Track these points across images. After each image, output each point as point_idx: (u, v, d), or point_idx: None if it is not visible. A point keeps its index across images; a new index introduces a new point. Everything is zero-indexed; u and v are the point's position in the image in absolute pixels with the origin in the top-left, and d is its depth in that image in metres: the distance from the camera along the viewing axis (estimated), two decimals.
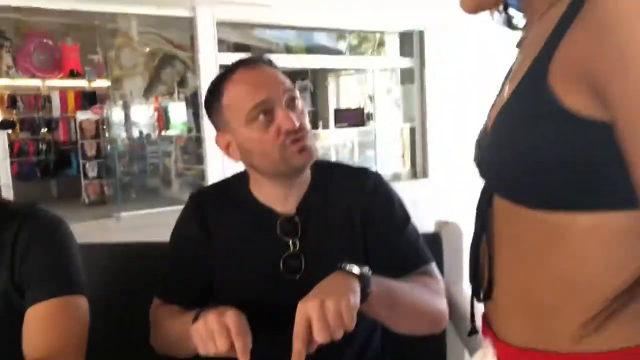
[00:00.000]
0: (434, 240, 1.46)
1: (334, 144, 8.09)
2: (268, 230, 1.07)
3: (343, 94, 10.20)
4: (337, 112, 8.56)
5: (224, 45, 8.70)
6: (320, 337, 0.78)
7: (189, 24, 6.19)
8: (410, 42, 8.25)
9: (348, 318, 0.79)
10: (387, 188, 1.13)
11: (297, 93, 1.08)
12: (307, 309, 0.79)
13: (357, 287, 0.84)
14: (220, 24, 6.63)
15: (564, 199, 0.53)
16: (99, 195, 6.44)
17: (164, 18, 6.40)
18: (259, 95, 1.01)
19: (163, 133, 7.33)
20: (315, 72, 9.59)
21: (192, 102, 6.11)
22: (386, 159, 9.32)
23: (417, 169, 8.37)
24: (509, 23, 0.71)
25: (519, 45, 0.68)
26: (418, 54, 8.08)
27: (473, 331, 0.73)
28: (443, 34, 7.94)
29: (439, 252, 1.46)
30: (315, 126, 9.38)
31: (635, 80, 0.46)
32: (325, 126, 8.42)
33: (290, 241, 1.07)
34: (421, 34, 7.95)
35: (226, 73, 1.05)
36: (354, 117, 8.33)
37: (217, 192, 1.19)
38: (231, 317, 0.85)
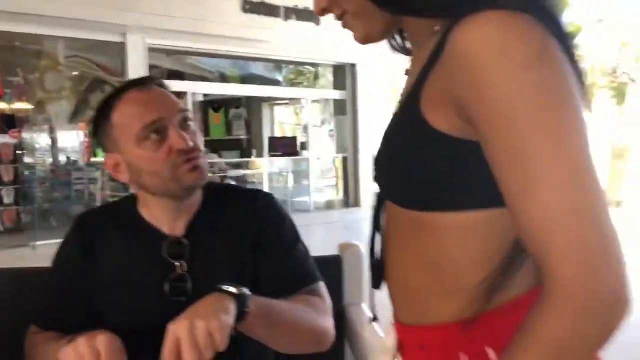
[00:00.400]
0: (336, 262, 1.48)
1: (268, 172, 8.08)
2: (154, 252, 1.04)
3: (278, 123, 10.29)
4: (272, 140, 8.60)
5: (157, 72, 8.59)
6: (189, 358, 0.76)
7: (119, 49, 6.10)
8: (343, 75, 8.50)
9: (219, 338, 0.77)
10: (278, 209, 1.13)
11: (191, 115, 1.07)
12: (176, 330, 0.77)
13: (231, 307, 0.82)
14: (153, 50, 6.59)
15: (431, 201, 0.63)
16: (15, 223, 6.07)
17: (94, 42, 6.25)
18: (151, 115, 1.00)
19: (92, 159, 7.09)
20: (250, 101, 9.62)
21: None
22: (320, 188, 9.44)
23: (350, 198, 8.53)
24: (406, 51, 0.78)
25: (406, 73, 0.76)
26: (351, 86, 8.33)
27: (374, 319, 0.87)
28: (374, 67, 8.24)
29: (340, 274, 1.47)
30: (249, 154, 9.41)
31: (490, 107, 0.54)
32: (260, 154, 8.41)
33: (178, 263, 1.05)
34: (353, 67, 8.23)
35: (117, 93, 1.04)
36: (288, 146, 8.38)
37: (104, 213, 1.16)
38: (103, 341, 0.81)
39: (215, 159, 8.45)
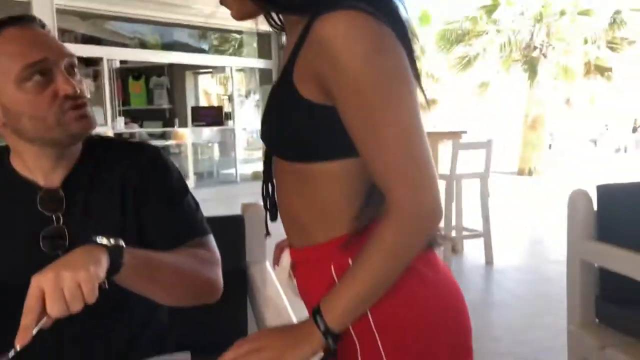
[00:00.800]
0: (238, 222, 1.50)
1: (192, 142, 7.87)
2: (28, 204, 0.99)
3: (202, 93, 10.01)
4: (195, 110, 8.32)
5: (70, 36, 8.11)
6: (53, 311, 0.73)
7: (24, 9, 5.66)
8: (268, 44, 8.38)
9: (87, 289, 0.75)
10: (164, 160, 1.10)
11: (76, 61, 1.02)
12: (39, 281, 0.74)
13: (102, 258, 0.79)
14: (63, 12, 6.17)
15: (303, 154, 0.80)
16: None
17: None
18: (34, 55, 0.92)
19: None
20: (173, 69, 9.28)
21: None
22: (246, 159, 9.34)
23: None
24: (282, 28, 0.92)
25: (281, 48, 0.95)
26: (276, 55, 8.23)
27: (267, 234, 1.02)
28: None
29: (242, 233, 1.49)
30: (172, 124, 9.11)
31: (342, 82, 0.72)
32: (183, 124, 8.17)
33: (53, 216, 1.01)
34: (278, 35, 8.08)
35: None
36: (212, 116, 8.18)
37: None
38: None
39: (135, 128, 8.14)
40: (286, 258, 0.93)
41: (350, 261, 0.81)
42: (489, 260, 4.23)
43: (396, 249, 0.74)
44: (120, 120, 7.46)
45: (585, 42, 10.81)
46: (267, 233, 1.01)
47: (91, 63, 7.31)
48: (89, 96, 1.01)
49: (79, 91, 0.96)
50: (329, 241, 0.83)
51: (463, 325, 0.85)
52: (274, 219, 0.93)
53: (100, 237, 0.83)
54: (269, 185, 0.91)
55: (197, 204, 1.11)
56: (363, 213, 0.80)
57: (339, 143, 0.77)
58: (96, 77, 7.27)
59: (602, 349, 1.66)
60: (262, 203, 0.95)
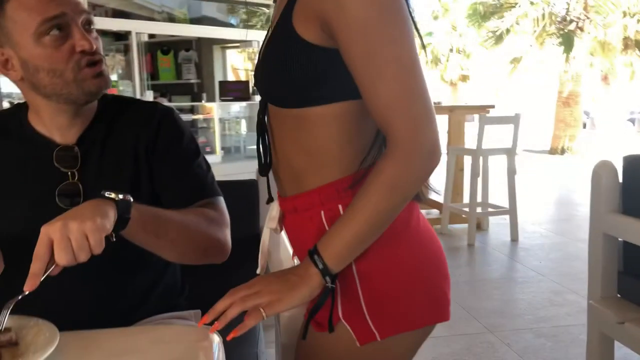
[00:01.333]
0: (253, 187, 1.51)
1: (219, 117, 7.91)
2: (45, 161, 1.02)
3: (230, 68, 10.01)
4: (222, 84, 8.34)
5: (101, 10, 8.21)
6: (61, 259, 0.75)
7: None
8: None
9: (94, 240, 0.77)
10: (176, 121, 1.11)
11: (93, 18, 1.02)
12: (48, 231, 0.76)
13: (109, 212, 0.81)
14: None
15: (302, 98, 0.80)
16: None
17: None
18: (52, 9, 0.93)
19: None
20: (201, 43, 9.30)
21: None
22: None
23: None
24: None
25: (274, 0, 0.94)
26: None
27: (270, 200, 0.99)
28: None
29: (256, 198, 1.50)
30: (200, 99, 9.19)
31: (349, 23, 0.72)
32: (211, 99, 8.20)
33: (69, 172, 1.03)
34: None
35: None
36: (239, 91, 8.18)
37: None
38: None
39: (164, 102, 8.23)
40: (275, 208, 0.94)
41: (340, 208, 0.82)
42: (514, 238, 4.18)
43: (396, 183, 0.75)
44: (149, 95, 7.54)
45: (624, 15, 10.37)
46: (270, 199, 1.00)
47: (121, 37, 7.41)
48: (104, 56, 1.02)
49: (95, 47, 0.97)
50: (320, 187, 0.83)
51: (441, 274, 0.87)
52: (264, 173, 0.93)
53: (109, 192, 0.85)
54: (265, 137, 0.91)
55: (208, 165, 1.12)
56: (364, 157, 0.82)
57: (337, 86, 0.78)
58: (126, 51, 7.37)
59: (621, 324, 1.62)
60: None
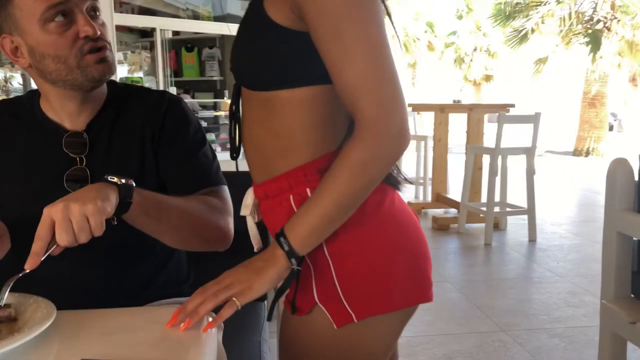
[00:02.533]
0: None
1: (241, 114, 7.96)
2: (54, 145, 1.04)
3: None
4: None
5: (127, 7, 8.33)
6: (61, 239, 0.77)
7: None
8: None
9: (94, 222, 0.79)
10: (183, 110, 1.13)
11: (98, 4, 1.04)
12: (50, 211, 0.78)
13: (111, 195, 0.83)
14: None
15: (272, 81, 0.81)
16: None
17: None
18: None
19: None
20: (224, 41, 9.38)
21: None
22: None
23: None
24: None
25: None
26: None
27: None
28: None
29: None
30: (222, 95, 9.25)
31: (319, 5, 0.73)
32: None
33: (77, 158, 1.05)
34: None
35: None
36: None
37: (4, 108, 1.13)
38: None
39: (187, 99, 8.32)
40: (250, 196, 0.94)
41: (308, 191, 0.82)
42: (532, 238, 4.12)
43: (362, 166, 0.74)
44: (172, 91, 7.63)
45: None
46: (232, 157, 0.99)
47: (146, 35, 7.51)
48: (110, 41, 1.04)
49: (99, 33, 0.98)
50: (289, 171, 0.84)
51: (420, 255, 0.86)
52: (233, 157, 0.95)
53: (111, 176, 0.86)
54: (236, 123, 0.92)
55: (214, 155, 1.14)
56: (331, 141, 0.82)
57: (306, 69, 0.79)
58: (151, 48, 7.47)
59: (633, 324, 1.59)
60: None
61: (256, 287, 0.77)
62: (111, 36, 6.37)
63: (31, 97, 1.09)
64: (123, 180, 0.87)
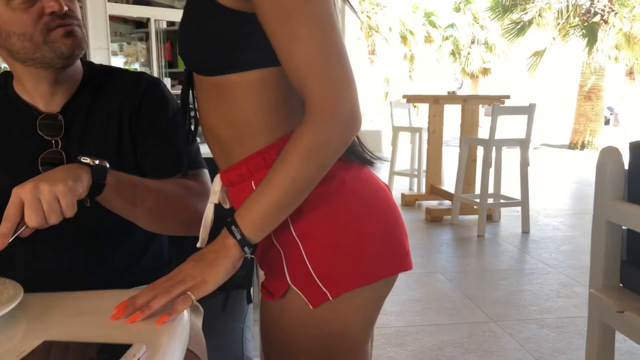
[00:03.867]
0: None
1: None
2: (28, 128, 1.02)
3: None
4: None
5: None
6: (31, 220, 0.75)
7: None
8: None
9: (65, 202, 0.76)
10: (162, 92, 1.10)
11: None
12: (19, 192, 0.76)
13: (83, 176, 0.81)
14: None
15: (221, 65, 0.79)
16: None
17: None
18: None
19: None
20: None
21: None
22: None
23: None
24: None
25: None
26: None
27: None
28: None
29: None
30: None
31: None
32: None
33: (53, 140, 1.03)
34: None
35: None
36: None
37: None
38: None
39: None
40: (217, 183, 0.92)
41: None
42: (525, 230, 4.12)
43: (314, 150, 0.73)
44: (167, 82, 7.59)
45: None
46: (191, 139, 1.01)
47: (141, 26, 7.46)
48: (79, 17, 1.00)
49: (66, 8, 0.95)
50: (247, 157, 0.82)
51: (393, 225, 0.85)
52: (192, 141, 0.94)
53: (84, 157, 0.84)
54: (187, 100, 0.89)
55: (194, 137, 1.11)
56: (285, 124, 0.80)
57: (254, 52, 0.77)
58: (147, 39, 7.41)
59: (621, 313, 1.58)
60: None
61: (210, 280, 0.74)
62: (105, 27, 6.28)
63: (4, 79, 1.07)
64: (96, 162, 0.85)
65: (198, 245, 0.91)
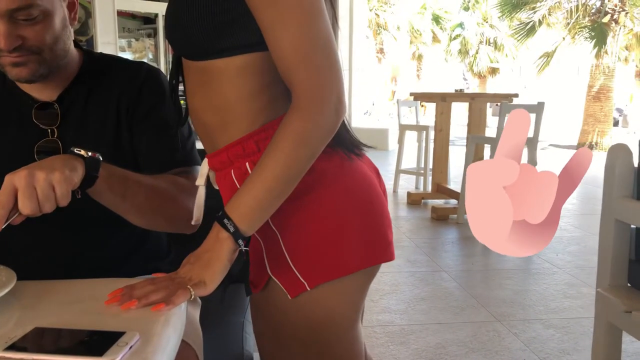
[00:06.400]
0: None
1: None
2: (24, 117, 1.01)
3: None
4: None
5: None
6: (24, 207, 0.73)
7: None
8: None
9: (60, 191, 0.75)
10: (162, 83, 1.08)
11: (22, 3, 0.89)
12: (13, 179, 0.74)
13: (77, 167, 0.80)
14: None
15: (207, 50, 0.78)
16: None
17: None
18: None
19: None
20: None
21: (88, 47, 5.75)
22: None
23: None
24: None
25: None
26: None
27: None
28: None
29: None
30: None
31: None
32: None
33: (49, 129, 1.01)
34: None
35: None
36: None
37: None
38: None
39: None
40: (204, 166, 0.92)
41: (248, 165, 0.81)
42: None
43: (302, 138, 0.73)
44: None
45: None
46: (180, 124, 1.00)
47: (149, 21, 7.48)
48: (48, 41, 0.94)
49: (18, 43, 0.90)
50: (228, 145, 0.81)
51: (375, 215, 0.84)
52: (181, 125, 0.96)
53: (78, 148, 0.83)
54: (177, 86, 0.89)
55: (190, 132, 1.09)
56: (270, 110, 0.80)
57: (240, 37, 0.77)
58: (155, 35, 7.44)
59: (629, 313, 1.55)
60: None
61: (209, 282, 0.74)
62: (113, 22, 6.29)
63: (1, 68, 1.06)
64: (90, 154, 0.83)
65: (192, 222, 0.93)
